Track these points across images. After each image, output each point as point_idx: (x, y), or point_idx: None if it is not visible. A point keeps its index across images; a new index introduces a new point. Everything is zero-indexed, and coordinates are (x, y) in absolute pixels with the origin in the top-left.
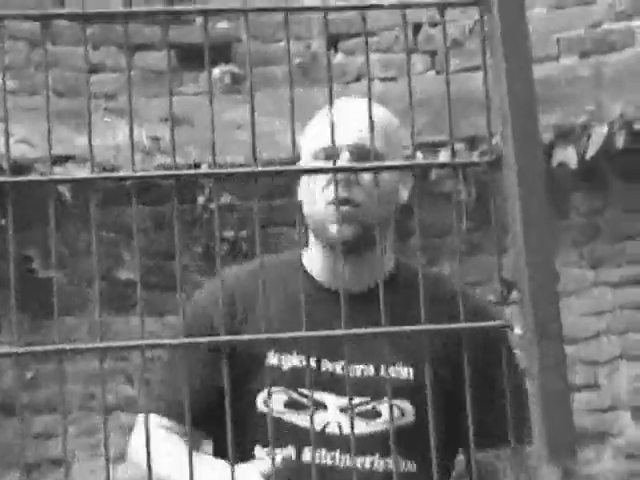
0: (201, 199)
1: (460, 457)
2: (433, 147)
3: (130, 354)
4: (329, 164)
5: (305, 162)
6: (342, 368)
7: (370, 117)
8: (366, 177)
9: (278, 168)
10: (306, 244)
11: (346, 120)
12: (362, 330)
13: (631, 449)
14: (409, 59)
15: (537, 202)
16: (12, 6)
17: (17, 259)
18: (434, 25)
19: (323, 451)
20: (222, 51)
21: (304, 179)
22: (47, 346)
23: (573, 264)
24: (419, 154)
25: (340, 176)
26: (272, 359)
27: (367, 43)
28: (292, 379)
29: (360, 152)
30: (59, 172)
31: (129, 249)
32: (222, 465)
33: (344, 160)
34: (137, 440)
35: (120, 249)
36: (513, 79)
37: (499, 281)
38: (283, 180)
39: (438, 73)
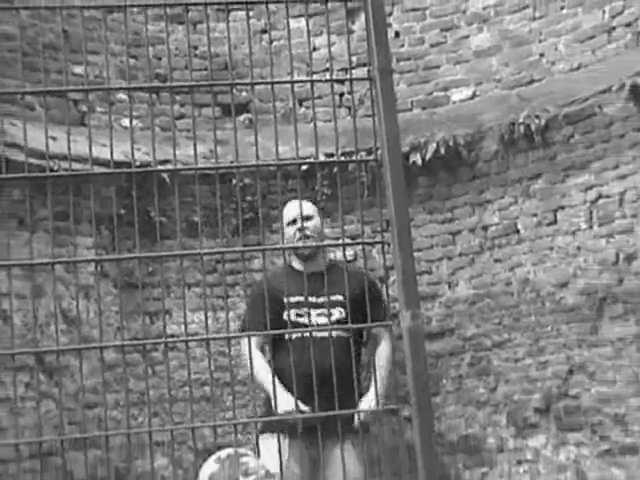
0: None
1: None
2: (350, 153)
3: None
4: (295, 226)
5: (284, 224)
6: (316, 300)
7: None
8: (311, 225)
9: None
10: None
11: (297, 205)
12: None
13: (449, 303)
14: (335, 111)
15: (399, 182)
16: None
17: (141, 211)
18: (349, 92)
19: (315, 333)
20: (245, 106)
21: (285, 228)
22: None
23: (418, 213)
24: (342, 156)
25: (300, 227)
26: (289, 299)
27: (314, 105)
28: (298, 306)
29: (306, 217)
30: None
31: None
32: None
33: (299, 222)
34: (258, 363)
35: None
36: (387, 120)
37: (381, 222)
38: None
39: (352, 117)
